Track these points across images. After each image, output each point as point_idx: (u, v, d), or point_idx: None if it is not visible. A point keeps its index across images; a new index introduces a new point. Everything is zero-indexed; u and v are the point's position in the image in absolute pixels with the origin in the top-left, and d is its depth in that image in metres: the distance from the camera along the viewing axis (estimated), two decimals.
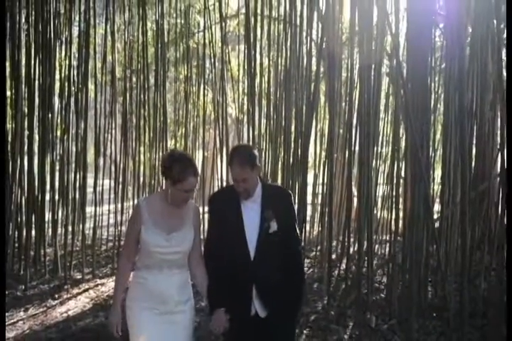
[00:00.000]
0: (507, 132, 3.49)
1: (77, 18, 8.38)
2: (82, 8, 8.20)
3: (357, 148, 5.88)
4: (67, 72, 8.20)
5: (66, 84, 8.20)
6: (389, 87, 8.61)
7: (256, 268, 3.33)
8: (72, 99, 8.12)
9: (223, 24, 8.96)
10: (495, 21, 5.47)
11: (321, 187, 8.20)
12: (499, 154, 5.42)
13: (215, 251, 3.44)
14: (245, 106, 8.90)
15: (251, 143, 7.32)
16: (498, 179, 6.06)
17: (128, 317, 3.35)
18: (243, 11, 8.44)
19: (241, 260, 3.34)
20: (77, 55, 8.19)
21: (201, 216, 4.73)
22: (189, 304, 3.41)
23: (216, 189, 10.22)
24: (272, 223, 3.34)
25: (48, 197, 7.92)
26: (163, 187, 3.42)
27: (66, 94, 8.14)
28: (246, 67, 7.67)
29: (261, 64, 8.59)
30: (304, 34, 7.25)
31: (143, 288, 3.30)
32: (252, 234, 3.34)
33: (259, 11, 7.93)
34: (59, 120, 8.25)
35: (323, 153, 8.72)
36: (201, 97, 10.22)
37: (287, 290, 3.40)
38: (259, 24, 7.98)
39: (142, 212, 3.27)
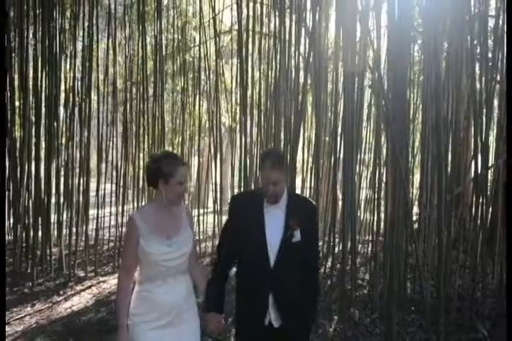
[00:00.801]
0: (507, 132, 3.50)
1: (81, 34, 8.40)
2: (86, 24, 8.23)
3: (341, 154, 5.91)
4: (71, 84, 8.21)
5: (71, 95, 8.21)
6: (371, 98, 8.66)
7: (275, 277, 3.01)
8: (76, 109, 8.13)
9: (217, 39, 9.01)
10: (469, 37, 5.53)
11: (308, 190, 8.23)
12: (473, 160, 5.47)
13: (229, 251, 3.14)
14: (238, 116, 8.93)
15: (243, 150, 7.34)
16: (472, 183, 6.11)
17: (132, 334, 3.00)
18: (236, 27, 8.47)
19: (260, 267, 3.03)
20: (80, 68, 8.23)
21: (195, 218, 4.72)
22: (194, 311, 3.19)
23: (211, 193, 10.24)
24: (296, 232, 3.02)
25: (53, 200, 7.93)
26: (154, 197, 3.17)
27: (70, 104, 8.15)
28: (238, 80, 7.69)
29: (252, 76, 8.61)
30: (293, 49, 7.27)
31: (148, 301, 3.01)
32: (274, 241, 3.02)
33: (250, 28, 7.97)
34: (64, 128, 8.26)
35: (310, 159, 8.75)
36: (197, 107, 10.27)
37: (303, 301, 3.12)
38: (250, 39, 8.01)
39: (137, 224, 2.99)
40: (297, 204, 3.13)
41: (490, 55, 6.10)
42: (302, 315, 3.13)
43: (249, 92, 8.21)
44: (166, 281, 3.04)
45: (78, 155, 8.18)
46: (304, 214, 3.10)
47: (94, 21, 8.13)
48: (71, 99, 8.20)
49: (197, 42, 10.55)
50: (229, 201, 3.28)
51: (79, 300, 6.68)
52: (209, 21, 10.04)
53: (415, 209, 7.19)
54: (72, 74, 8.24)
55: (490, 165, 5.94)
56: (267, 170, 2.98)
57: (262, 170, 3.02)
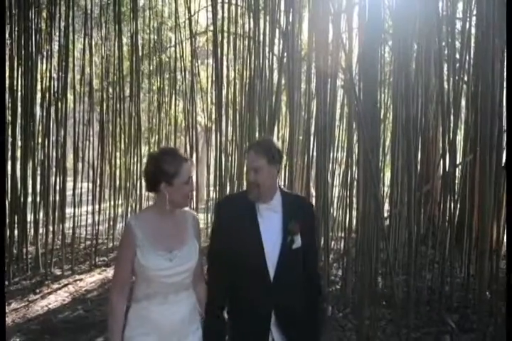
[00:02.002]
0: (507, 132, 3.55)
1: (57, 34, 8.31)
2: (62, 24, 8.13)
3: (315, 153, 5.94)
4: (47, 84, 8.11)
5: (47, 94, 8.11)
6: (344, 98, 8.72)
7: (277, 292, 2.59)
8: (53, 109, 8.04)
9: (193, 40, 9.00)
10: (437, 39, 5.60)
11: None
12: (441, 158, 5.55)
13: (217, 269, 2.68)
14: (213, 115, 8.92)
15: (218, 149, 7.34)
16: (440, 181, 6.19)
17: None
18: (211, 28, 8.46)
19: (259, 281, 2.60)
20: (57, 68, 8.12)
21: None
22: (198, 334, 2.68)
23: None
24: (296, 237, 2.62)
25: (30, 199, 7.83)
26: (155, 202, 2.68)
27: (47, 103, 8.05)
28: (214, 80, 7.68)
29: (227, 76, 8.63)
30: (267, 49, 7.29)
31: (146, 321, 2.56)
32: (272, 250, 2.60)
33: (225, 28, 7.98)
34: (40, 128, 8.16)
35: (285, 158, 8.78)
36: (173, 107, 10.23)
37: (307, 317, 2.72)
38: (225, 40, 8.02)
39: (135, 233, 2.53)
40: (293, 204, 2.72)
41: (457, 56, 6.20)
42: (309, 330, 2.73)
43: (224, 92, 8.22)
44: (167, 299, 2.58)
45: (54, 154, 8.09)
46: (302, 214, 2.71)
47: (71, 21, 8.04)
48: (47, 99, 8.10)
49: (173, 43, 10.52)
50: (216, 208, 2.91)
51: (55, 299, 6.61)
52: (185, 22, 10.02)
53: (386, 206, 7.26)
54: (48, 74, 8.15)
55: (458, 163, 6.03)
56: (249, 155, 2.64)
57: (247, 156, 2.69)
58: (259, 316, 2.61)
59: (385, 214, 6.52)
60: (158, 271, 2.51)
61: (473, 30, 5.91)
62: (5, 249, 7.65)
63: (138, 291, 2.60)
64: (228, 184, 8.20)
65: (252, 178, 2.62)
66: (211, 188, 9.70)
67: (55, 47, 8.69)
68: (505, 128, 5.40)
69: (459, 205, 6.26)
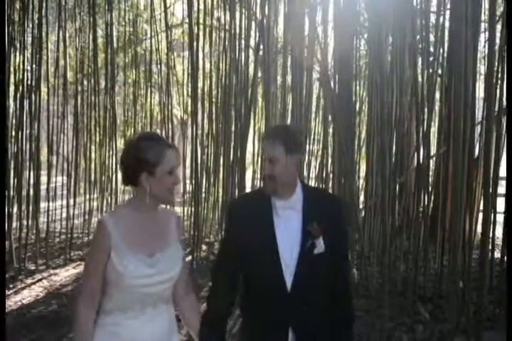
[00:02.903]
0: (507, 131, 3.57)
1: (30, 25, 8.17)
2: (36, 16, 8.00)
3: None
4: (21, 76, 7.98)
5: (20, 87, 7.98)
6: (319, 90, 8.74)
7: (295, 304, 2.20)
8: (26, 102, 7.92)
9: (169, 32, 8.92)
10: (411, 33, 5.63)
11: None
12: (415, 150, 5.59)
13: (224, 280, 2.32)
14: (189, 108, 8.88)
15: (195, 141, 7.31)
16: (415, 173, 6.24)
17: None
18: (187, 20, 8.40)
19: (274, 292, 2.21)
20: (30, 60, 7.99)
21: None
22: None
23: None
24: (319, 241, 2.19)
25: None
26: (133, 197, 2.30)
27: (20, 96, 7.93)
28: (190, 72, 7.64)
29: (203, 69, 8.58)
30: (243, 42, 7.28)
31: (117, 339, 2.17)
32: (289, 256, 2.20)
33: (201, 21, 7.93)
34: (13, 121, 8.03)
35: (261, 151, 8.79)
36: (148, 100, 10.16)
37: (335, 333, 2.30)
38: (201, 33, 7.97)
39: (110, 232, 2.12)
40: (317, 202, 2.29)
41: (432, 49, 6.24)
42: None
43: (200, 85, 8.17)
44: (144, 312, 2.19)
45: (28, 147, 7.98)
46: (328, 214, 2.27)
47: (44, 13, 7.91)
48: (20, 92, 7.97)
49: (148, 35, 10.42)
50: (227, 210, 2.54)
51: (29, 294, 6.53)
52: (160, 14, 9.92)
53: (361, 198, 7.31)
54: (21, 67, 8.01)
55: (432, 155, 6.09)
56: (264, 144, 2.26)
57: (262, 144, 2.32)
58: (275, 333, 2.22)
59: (360, 206, 6.57)
60: (136, 279, 2.12)
61: (447, 24, 5.97)
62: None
63: (109, 303, 2.20)
64: (205, 177, 8.19)
65: (267, 170, 2.22)
66: (187, 181, 9.65)
67: (29, 39, 8.56)
68: (478, 120, 5.49)
69: (432, 197, 6.32)
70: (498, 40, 4.87)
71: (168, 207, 2.35)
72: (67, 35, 8.93)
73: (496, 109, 4.97)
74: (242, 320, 2.41)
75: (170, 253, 2.22)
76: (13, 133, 8.01)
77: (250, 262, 2.25)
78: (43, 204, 8.07)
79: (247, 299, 2.33)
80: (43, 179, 8.02)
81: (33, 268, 7.58)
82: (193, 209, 7.57)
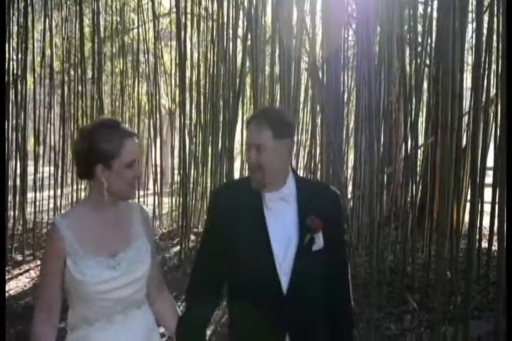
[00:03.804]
0: (507, 130, 3.55)
1: (16, 14, 8.04)
2: (22, 4, 7.88)
3: None
4: (6, 66, 7.87)
5: (6, 76, 7.87)
6: (308, 81, 8.69)
7: (291, 307, 1.93)
8: (12, 91, 7.81)
9: (156, 22, 8.83)
10: (399, 23, 5.61)
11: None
12: (403, 141, 5.59)
13: (204, 280, 2.05)
14: (177, 98, 8.82)
15: (182, 131, 7.25)
16: (403, 163, 6.24)
17: None
18: (175, 10, 8.31)
19: (267, 294, 1.93)
20: (16, 50, 7.88)
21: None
22: None
23: (151, 177, 10.16)
24: (318, 236, 1.93)
25: None
26: (89, 194, 1.98)
27: (5, 86, 7.82)
28: (178, 62, 7.57)
29: (191, 59, 8.51)
30: (231, 32, 7.22)
31: None
32: (284, 253, 1.94)
33: (189, 10, 7.85)
34: None
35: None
36: (136, 89, 10.07)
37: (334, 337, 2.06)
38: (189, 22, 7.90)
39: (64, 236, 1.85)
40: (311, 193, 2.02)
41: (419, 39, 6.22)
42: None
43: (188, 74, 8.11)
44: (112, 321, 1.91)
45: (15, 137, 7.89)
46: (325, 207, 1.99)
47: (30, 1, 7.79)
48: (6, 81, 7.86)
49: (136, 25, 10.32)
50: (211, 199, 2.29)
51: (16, 284, 6.48)
52: (147, 3, 9.82)
53: (349, 188, 7.31)
54: (8, 56, 7.90)
55: (419, 145, 6.08)
56: (249, 129, 1.97)
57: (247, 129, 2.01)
58: (269, 338, 1.96)
59: (348, 196, 6.56)
60: (98, 286, 1.84)
61: (434, 14, 5.94)
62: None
63: (72, 316, 1.93)
64: (193, 167, 8.15)
65: (253, 158, 1.93)
66: (175, 172, 9.61)
67: (14, 28, 8.43)
68: (466, 111, 5.49)
69: (420, 187, 6.33)
70: (485, 31, 4.85)
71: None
72: (54, 24, 8.83)
73: (484, 99, 4.97)
74: (229, 325, 2.13)
75: (134, 250, 1.95)
76: None
77: (237, 260, 1.97)
78: (30, 195, 8.00)
79: (234, 303, 2.05)
80: (30, 169, 7.95)
81: (20, 258, 7.53)
82: (181, 199, 7.54)
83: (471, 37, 6.76)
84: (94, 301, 1.87)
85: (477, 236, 5.06)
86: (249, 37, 6.11)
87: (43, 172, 8.29)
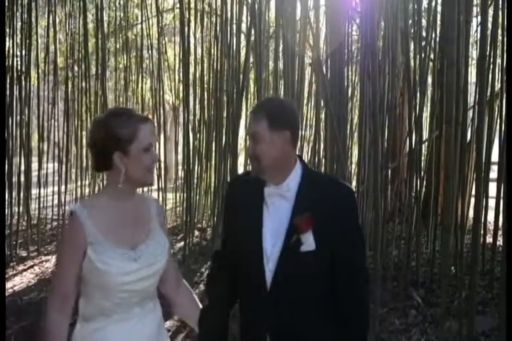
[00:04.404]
0: (507, 130, 3.53)
1: (20, 10, 8.04)
2: (25, 0, 7.87)
3: None
4: (11, 62, 7.88)
5: (10, 73, 7.87)
6: (311, 76, 8.66)
7: (273, 306, 1.88)
8: (17, 87, 7.82)
9: (160, 17, 8.81)
10: (403, 17, 5.57)
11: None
12: (408, 136, 5.56)
13: (221, 270, 2.04)
14: (181, 94, 8.81)
15: (187, 127, 7.24)
16: (407, 158, 6.21)
17: None
18: (178, 5, 8.30)
19: (253, 290, 1.94)
20: (20, 46, 7.87)
21: None
22: None
23: (155, 171, 10.18)
24: (306, 237, 1.83)
25: None
26: (107, 184, 2.00)
27: (9, 82, 7.82)
28: (181, 58, 7.56)
29: (195, 54, 8.49)
30: (234, 27, 7.20)
31: None
32: (273, 250, 1.89)
33: (192, 6, 7.83)
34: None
35: None
36: (140, 85, 10.05)
37: None
38: (193, 18, 7.87)
39: (85, 225, 1.83)
40: (316, 191, 1.90)
41: (424, 34, 6.18)
42: None
43: (192, 70, 8.09)
44: (131, 313, 1.92)
45: (19, 133, 7.90)
46: (330, 206, 1.88)
47: None
48: (9, 77, 7.87)
49: (139, 20, 10.29)
50: (226, 190, 2.29)
51: (20, 280, 6.50)
52: None
53: (353, 184, 7.28)
54: (11, 52, 7.90)
55: (424, 139, 6.06)
56: (248, 120, 1.97)
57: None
58: (252, 338, 1.96)
59: None
60: (121, 277, 1.84)
61: (439, 8, 5.90)
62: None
63: (89, 307, 1.91)
64: (197, 162, 8.14)
65: (250, 149, 1.93)
66: (179, 167, 9.60)
67: (18, 24, 8.44)
68: (471, 105, 5.45)
69: (425, 182, 6.30)
70: (490, 25, 4.82)
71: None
72: (58, 20, 8.82)
73: (488, 93, 4.94)
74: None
75: (154, 243, 1.96)
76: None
77: (235, 253, 1.98)
78: (34, 191, 8.02)
79: (238, 297, 2.05)
80: (34, 165, 7.97)
81: (24, 254, 7.55)
82: (185, 195, 7.53)
83: (476, 31, 6.73)
84: (113, 292, 1.86)
85: (482, 231, 5.03)
86: (252, 32, 6.10)
87: (47, 169, 8.30)
